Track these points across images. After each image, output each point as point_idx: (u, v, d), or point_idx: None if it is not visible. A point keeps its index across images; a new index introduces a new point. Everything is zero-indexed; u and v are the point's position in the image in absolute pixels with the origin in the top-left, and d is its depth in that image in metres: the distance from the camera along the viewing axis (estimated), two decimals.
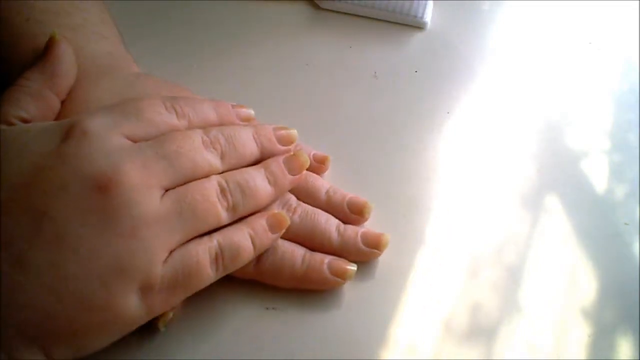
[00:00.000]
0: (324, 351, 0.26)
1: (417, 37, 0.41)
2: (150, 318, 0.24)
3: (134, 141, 0.24)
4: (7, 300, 0.21)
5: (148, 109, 0.26)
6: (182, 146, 0.25)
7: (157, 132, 0.25)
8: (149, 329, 0.25)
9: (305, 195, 0.30)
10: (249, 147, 0.27)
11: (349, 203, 0.30)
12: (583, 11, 0.45)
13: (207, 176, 0.25)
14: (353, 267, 0.28)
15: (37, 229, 0.21)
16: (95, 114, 0.24)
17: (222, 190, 0.25)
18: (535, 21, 0.44)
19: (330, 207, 0.30)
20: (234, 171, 0.27)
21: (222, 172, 0.26)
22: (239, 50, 0.39)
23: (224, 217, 0.25)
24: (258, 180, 0.27)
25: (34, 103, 0.27)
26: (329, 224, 0.29)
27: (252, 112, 0.30)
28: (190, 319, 0.26)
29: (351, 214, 0.30)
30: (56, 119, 0.28)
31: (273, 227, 0.27)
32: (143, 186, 0.23)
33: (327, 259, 0.28)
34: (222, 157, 0.26)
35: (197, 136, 0.26)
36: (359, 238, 0.29)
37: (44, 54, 0.28)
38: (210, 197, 0.25)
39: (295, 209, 0.28)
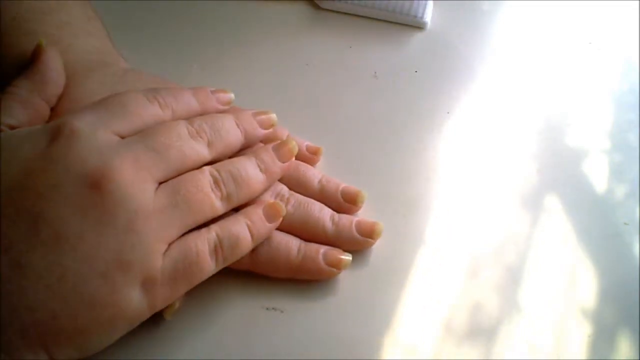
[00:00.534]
0: (324, 351, 0.26)
1: (417, 37, 0.41)
2: (152, 313, 0.24)
3: (122, 136, 0.24)
4: (9, 304, 0.21)
5: (131, 102, 0.26)
6: (169, 137, 0.25)
7: (143, 125, 0.25)
8: (149, 329, 0.25)
9: (297, 185, 0.30)
10: (233, 134, 0.28)
11: (342, 192, 0.30)
12: (583, 11, 0.45)
13: (196, 166, 0.26)
14: (348, 257, 0.28)
15: (34, 230, 0.21)
16: (80, 113, 0.24)
17: (215, 181, 0.26)
18: (535, 21, 0.44)
19: (324, 196, 0.30)
20: (225, 161, 0.27)
21: (211, 161, 0.26)
22: (239, 50, 0.39)
23: (219, 207, 0.25)
24: (250, 169, 0.27)
25: (22, 110, 0.27)
26: (323, 213, 0.29)
27: (232, 95, 0.30)
28: (190, 318, 0.26)
29: (345, 202, 0.30)
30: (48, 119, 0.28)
31: (270, 216, 0.27)
32: (136, 180, 0.23)
33: (322, 249, 0.28)
34: (209, 145, 0.26)
35: (183, 127, 0.26)
36: (353, 227, 0.29)
37: (31, 61, 0.28)
38: (204, 188, 0.25)
39: (288, 199, 0.28)
